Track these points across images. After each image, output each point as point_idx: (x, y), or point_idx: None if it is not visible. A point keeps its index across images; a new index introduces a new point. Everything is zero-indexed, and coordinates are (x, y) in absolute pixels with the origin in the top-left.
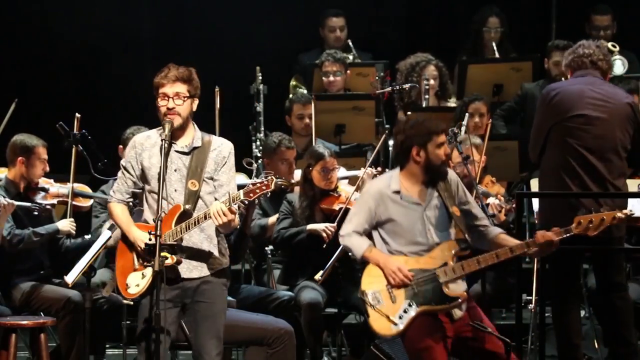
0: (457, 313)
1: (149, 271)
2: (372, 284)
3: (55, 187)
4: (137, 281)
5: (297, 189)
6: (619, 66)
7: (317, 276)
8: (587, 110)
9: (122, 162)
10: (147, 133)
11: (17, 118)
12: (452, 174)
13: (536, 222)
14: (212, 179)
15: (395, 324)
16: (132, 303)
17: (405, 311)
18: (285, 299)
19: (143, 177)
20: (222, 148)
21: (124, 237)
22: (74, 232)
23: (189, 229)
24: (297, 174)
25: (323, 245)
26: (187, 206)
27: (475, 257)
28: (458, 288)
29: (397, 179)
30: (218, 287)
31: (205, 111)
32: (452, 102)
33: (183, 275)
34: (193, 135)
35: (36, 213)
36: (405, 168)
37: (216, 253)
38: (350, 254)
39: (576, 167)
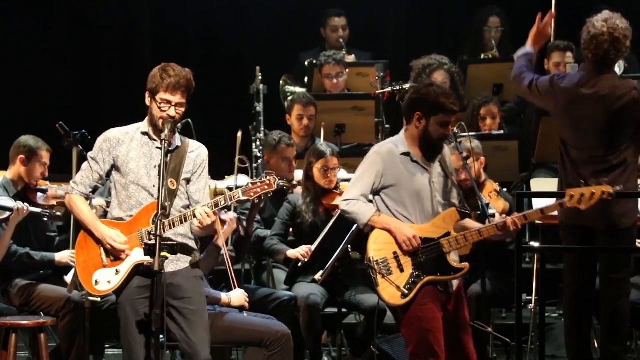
0: (454, 285)
1: (123, 267)
2: (380, 250)
3: (53, 189)
4: (109, 277)
5: (298, 189)
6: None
7: (317, 276)
8: None
9: (90, 154)
10: (125, 129)
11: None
12: (445, 148)
13: (536, 222)
14: (187, 179)
15: (404, 294)
16: (99, 300)
17: (413, 281)
18: (285, 299)
19: (115, 171)
20: (200, 151)
21: (89, 233)
22: (73, 265)
23: (172, 227)
24: (297, 174)
25: (298, 263)
26: (166, 204)
27: (476, 229)
28: (457, 259)
29: (403, 142)
30: (197, 281)
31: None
32: None
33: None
34: (174, 135)
35: (46, 219)
36: (408, 130)
37: (194, 246)
38: (350, 219)
39: None
